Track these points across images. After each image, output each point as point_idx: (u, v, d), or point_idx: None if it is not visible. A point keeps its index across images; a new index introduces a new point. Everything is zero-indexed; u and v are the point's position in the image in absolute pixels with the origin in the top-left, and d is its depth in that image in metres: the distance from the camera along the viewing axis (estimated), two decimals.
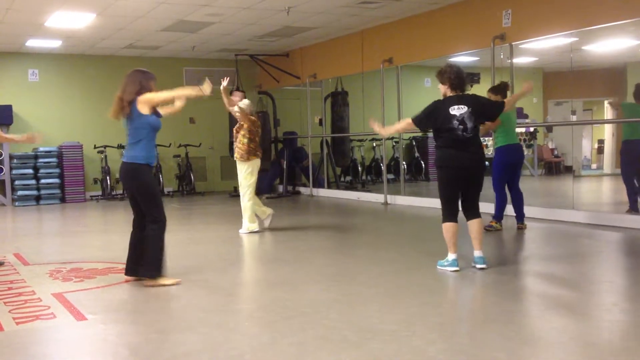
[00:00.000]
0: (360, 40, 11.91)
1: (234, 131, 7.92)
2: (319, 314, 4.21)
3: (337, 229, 8.59)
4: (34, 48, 12.65)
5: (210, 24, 10.85)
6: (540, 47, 10.19)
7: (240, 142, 7.74)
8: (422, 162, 14.59)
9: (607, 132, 15.01)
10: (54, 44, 12.19)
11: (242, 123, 7.80)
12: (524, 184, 7.86)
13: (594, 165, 16.10)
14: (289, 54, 14.11)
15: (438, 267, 5.50)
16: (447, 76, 5.39)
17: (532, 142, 14.58)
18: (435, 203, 10.25)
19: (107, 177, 13.23)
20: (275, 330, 3.87)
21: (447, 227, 5.42)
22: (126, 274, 5.38)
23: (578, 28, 8.07)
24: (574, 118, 11.57)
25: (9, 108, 12.74)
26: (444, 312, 4.22)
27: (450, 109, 5.30)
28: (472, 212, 5.49)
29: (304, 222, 9.43)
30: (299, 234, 7.96)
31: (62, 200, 13.04)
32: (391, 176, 12.95)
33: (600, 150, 15.79)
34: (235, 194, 13.24)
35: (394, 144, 14.24)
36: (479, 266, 5.42)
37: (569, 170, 14.43)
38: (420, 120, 5.48)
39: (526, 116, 13.92)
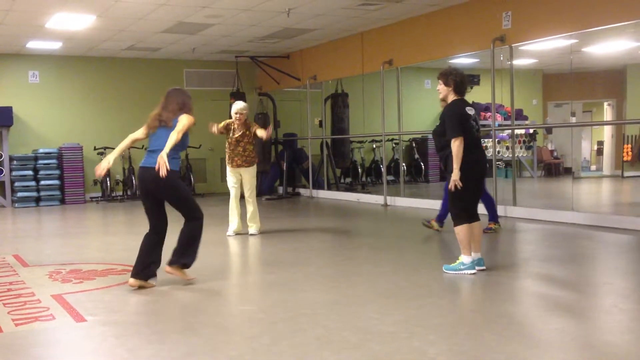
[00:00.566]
0: (361, 42, 11.92)
1: (233, 140, 7.76)
2: (318, 315, 4.21)
3: (337, 230, 8.59)
4: (34, 50, 12.65)
5: (210, 26, 10.86)
6: (540, 48, 10.21)
7: (247, 149, 7.78)
8: (422, 164, 14.60)
9: (607, 134, 15.03)
10: (55, 45, 12.20)
11: (243, 130, 7.79)
12: (524, 185, 7.86)
13: (593, 167, 16.12)
14: (289, 56, 14.12)
15: (448, 271, 5.37)
16: (452, 78, 5.37)
17: (531, 143, 14.59)
18: (434, 205, 10.28)
19: (107, 179, 13.24)
20: (275, 332, 3.87)
21: (466, 229, 5.31)
22: (133, 276, 5.11)
23: (578, 30, 8.08)
24: (573, 120, 11.59)
25: (9, 110, 12.74)
26: (443, 313, 4.22)
27: (467, 110, 5.34)
28: (476, 214, 5.46)
29: (304, 224, 9.43)
30: (299, 236, 7.96)
31: (62, 201, 13.04)
32: (391, 178, 12.95)
33: (599, 152, 15.80)
34: None
35: (394, 145, 14.26)
36: (479, 268, 5.41)
37: (568, 171, 14.44)
38: (460, 129, 5.23)
39: (526, 118, 13.93)
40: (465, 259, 5.34)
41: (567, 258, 6.11)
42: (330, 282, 5.31)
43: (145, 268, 5.12)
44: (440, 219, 7.42)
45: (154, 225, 5.23)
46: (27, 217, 11.16)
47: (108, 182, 13.24)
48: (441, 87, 5.44)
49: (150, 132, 5.24)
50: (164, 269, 5.18)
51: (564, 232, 7.58)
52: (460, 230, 5.32)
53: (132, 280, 5.11)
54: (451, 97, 5.41)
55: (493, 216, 7.44)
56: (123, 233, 9.02)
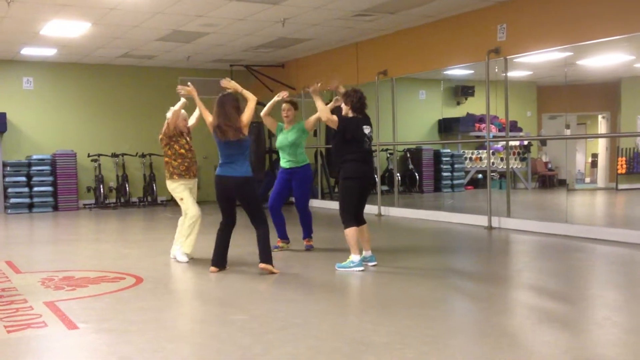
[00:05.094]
0: (355, 53, 11.95)
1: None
2: (311, 325, 4.20)
3: (329, 240, 8.56)
4: (29, 56, 12.64)
5: (205, 34, 10.88)
6: (535, 61, 10.27)
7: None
8: (417, 174, 14.61)
9: (601, 146, 15.10)
10: (49, 52, 12.19)
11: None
12: (518, 196, 7.87)
13: (587, 179, 16.18)
14: (284, 65, 14.15)
15: (340, 269, 5.91)
16: (350, 99, 6.00)
17: (526, 155, 14.63)
18: (428, 215, 10.30)
19: (101, 186, 13.20)
20: (267, 342, 3.86)
21: (354, 231, 5.89)
22: (215, 265, 6.04)
23: (572, 43, 8.13)
24: (568, 132, 11.64)
25: (3, 116, 12.73)
26: (436, 325, 4.21)
27: (363, 128, 5.98)
28: (362, 218, 6.13)
29: (296, 233, 9.40)
30: (291, 245, 7.94)
31: (55, 208, 12.98)
32: (385, 188, 12.96)
33: (594, 164, 15.87)
34: None
35: (388, 155, 14.27)
36: (371, 263, 6.05)
37: (562, 183, 14.48)
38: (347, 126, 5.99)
39: (520, 129, 13.98)
40: (354, 257, 5.88)
41: (560, 270, 6.12)
42: (322, 292, 5.30)
43: (223, 256, 6.07)
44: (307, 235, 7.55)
45: (226, 222, 6.09)
46: (19, 223, 11.11)
47: (101, 189, 13.20)
48: (343, 106, 6.08)
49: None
50: (259, 266, 5.87)
51: (558, 244, 7.59)
52: (349, 232, 5.90)
53: (213, 267, 6.01)
54: (351, 115, 6.04)
55: (283, 234, 7.53)
56: (116, 240, 8.97)
